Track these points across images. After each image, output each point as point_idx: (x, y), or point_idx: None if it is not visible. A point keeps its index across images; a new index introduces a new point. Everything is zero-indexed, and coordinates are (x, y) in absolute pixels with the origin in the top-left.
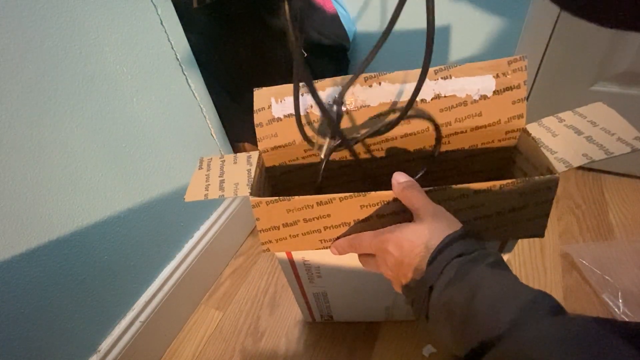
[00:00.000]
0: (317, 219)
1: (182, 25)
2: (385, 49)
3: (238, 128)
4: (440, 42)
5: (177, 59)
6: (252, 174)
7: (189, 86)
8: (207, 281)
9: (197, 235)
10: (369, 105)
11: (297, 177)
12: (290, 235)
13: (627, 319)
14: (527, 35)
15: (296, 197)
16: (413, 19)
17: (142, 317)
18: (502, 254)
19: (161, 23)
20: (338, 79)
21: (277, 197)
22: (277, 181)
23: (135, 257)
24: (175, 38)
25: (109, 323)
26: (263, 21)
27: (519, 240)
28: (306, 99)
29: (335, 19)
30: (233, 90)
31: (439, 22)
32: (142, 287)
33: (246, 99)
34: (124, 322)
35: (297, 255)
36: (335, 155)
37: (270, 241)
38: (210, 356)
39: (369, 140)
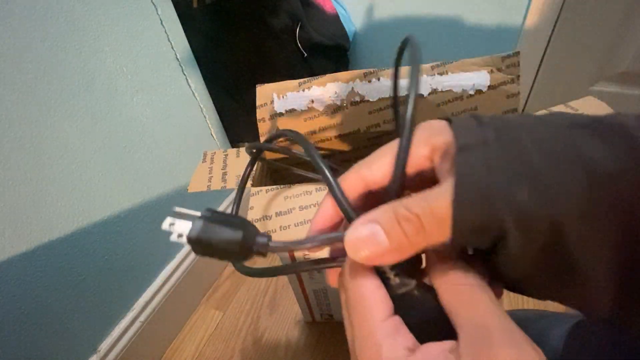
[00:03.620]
0: (314, 205)
1: (182, 25)
2: (386, 45)
3: (238, 128)
4: (441, 41)
5: (177, 59)
6: (254, 167)
7: (189, 86)
8: (207, 281)
9: None
10: (368, 101)
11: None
12: (280, 227)
13: None
14: (527, 34)
15: (296, 185)
16: (415, 15)
17: (142, 317)
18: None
19: (161, 23)
20: (338, 75)
21: (277, 186)
22: (278, 175)
23: (135, 257)
24: (175, 38)
25: (109, 323)
26: (263, 21)
27: None
28: (306, 94)
29: (335, 19)
30: (233, 90)
31: (439, 21)
32: (142, 287)
33: (246, 98)
34: (124, 322)
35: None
36: (330, 149)
37: None
38: (210, 356)
39: (366, 134)
